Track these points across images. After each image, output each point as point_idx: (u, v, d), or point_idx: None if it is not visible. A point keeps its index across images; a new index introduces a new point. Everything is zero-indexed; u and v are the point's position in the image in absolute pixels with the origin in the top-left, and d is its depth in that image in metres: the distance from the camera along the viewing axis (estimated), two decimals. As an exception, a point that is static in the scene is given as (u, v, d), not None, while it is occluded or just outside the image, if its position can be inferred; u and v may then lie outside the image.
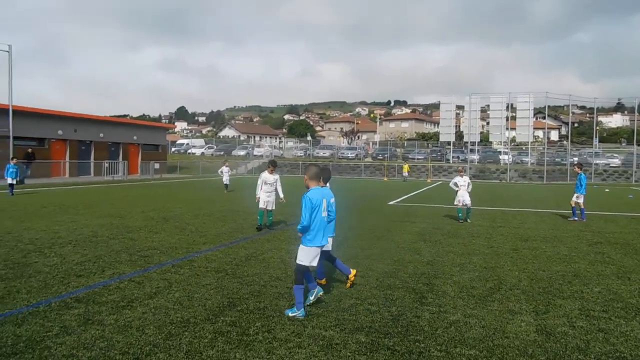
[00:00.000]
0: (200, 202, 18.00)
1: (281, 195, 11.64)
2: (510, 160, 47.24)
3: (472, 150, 48.52)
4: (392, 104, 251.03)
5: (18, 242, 8.91)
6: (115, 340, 4.30)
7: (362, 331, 4.68)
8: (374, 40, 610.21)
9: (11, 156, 24.03)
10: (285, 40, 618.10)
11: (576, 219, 14.12)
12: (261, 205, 11.21)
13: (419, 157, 53.75)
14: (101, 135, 37.54)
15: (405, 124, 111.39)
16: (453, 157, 51.46)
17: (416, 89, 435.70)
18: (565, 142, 62.33)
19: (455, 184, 13.74)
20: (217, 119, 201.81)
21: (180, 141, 79.57)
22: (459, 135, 60.76)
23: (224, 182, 23.84)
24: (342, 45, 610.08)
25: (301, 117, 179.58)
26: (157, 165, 39.95)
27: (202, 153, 65.75)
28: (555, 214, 15.76)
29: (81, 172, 35.62)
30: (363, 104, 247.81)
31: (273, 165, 11.71)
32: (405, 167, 43.92)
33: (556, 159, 49.18)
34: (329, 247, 6.15)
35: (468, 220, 13.21)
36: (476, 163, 48.71)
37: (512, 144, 53.26)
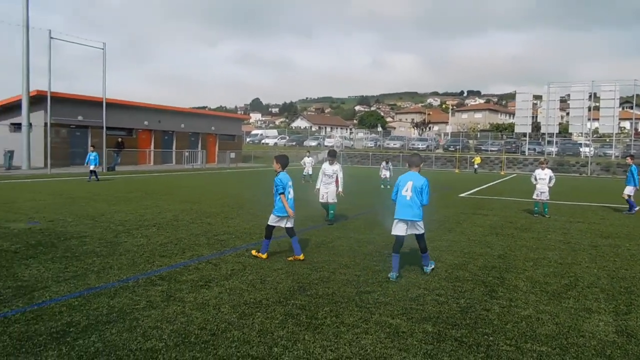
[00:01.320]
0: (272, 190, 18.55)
1: (339, 188, 10.93)
2: (592, 152, 44.10)
3: (549, 142, 45.86)
4: (465, 94, 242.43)
5: (110, 223, 9.75)
6: (194, 317, 4.64)
7: (429, 321, 4.69)
8: (446, 28, 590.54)
9: (97, 145, 26.04)
10: (357, 32, 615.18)
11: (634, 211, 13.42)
12: (320, 198, 10.87)
13: (493, 148, 51.69)
14: (182, 125, 39.64)
15: (478, 115, 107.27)
16: (529, 149, 48.93)
17: (490, 78, 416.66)
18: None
19: (535, 177, 13.11)
20: (289, 110, 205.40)
21: (254, 132, 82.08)
22: (536, 126, 57.59)
23: (306, 172, 23.15)
24: (414, 35, 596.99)
25: (372, 108, 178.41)
26: (232, 155, 41.61)
27: (275, 143, 67.42)
28: (647, 210, 14.57)
29: (164, 160, 37.92)
30: (435, 94, 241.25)
31: (331, 155, 11.07)
32: (477, 158, 42.43)
33: (644, 152, 45.24)
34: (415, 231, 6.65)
35: (545, 216, 12.59)
36: (554, 155, 45.98)
37: (595, 136, 49.65)
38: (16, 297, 5.10)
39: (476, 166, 41.31)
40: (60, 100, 28.74)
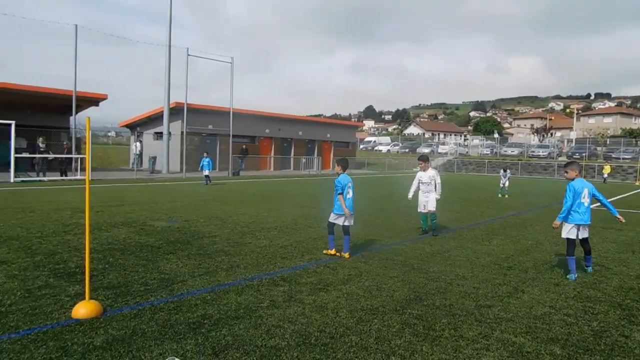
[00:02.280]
0: (386, 197, 18.57)
1: (437, 196, 10.12)
2: None
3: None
4: (592, 97, 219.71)
5: (236, 225, 10.53)
6: (314, 319, 4.86)
7: (557, 342, 4.38)
8: (569, 26, 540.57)
9: (224, 152, 28.07)
10: (471, 36, 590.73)
11: None
12: (420, 208, 10.21)
13: (625, 156, 46.18)
14: (300, 133, 41.32)
15: (608, 119, 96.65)
16: None
17: (622, 79, 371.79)
18: None
19: None
20: (402, 117, 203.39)
21: (367, 139, 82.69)
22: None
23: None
24: (533, 35, 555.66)
25: (488, 114, 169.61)
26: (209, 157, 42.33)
27: (388, 150, 67.21)
28: None
29: (283, 167, 39.84)
30: (557, 98, 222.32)
31: (423, 160, 10.24)
32: (607, 167, 38.14)
33: None
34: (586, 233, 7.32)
35: None
36: None
37: None
38: (160, 288, 5.76)
39: (605, 175, 37.22)
40: (194, 111, 31.68)
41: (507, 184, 20.39)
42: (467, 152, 62.03)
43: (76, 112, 26.42)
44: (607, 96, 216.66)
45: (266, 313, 4.98)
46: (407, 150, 65.74)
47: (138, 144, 31.91)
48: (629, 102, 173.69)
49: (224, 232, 9.66)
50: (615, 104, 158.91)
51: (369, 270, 6.87)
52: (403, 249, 8.44)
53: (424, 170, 10.24)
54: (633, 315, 5.24)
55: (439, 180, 10.18)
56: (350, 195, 7.63)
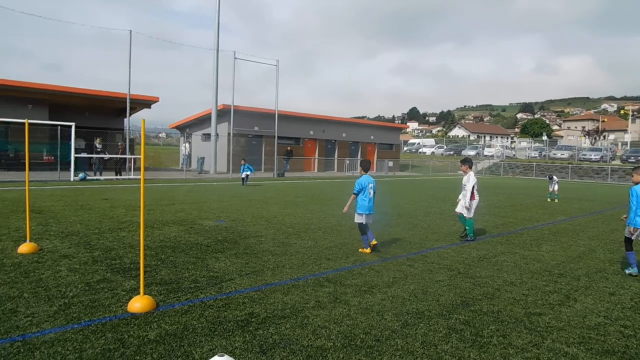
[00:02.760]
0: (430, 200, 18.30)
1: (464, 201, 9.60)
2: None
3: None
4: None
5: (282, 225, 10.69)
6: (359, 321, 4.88)
7: (613, 355, 4.22)
8: (624, 23, 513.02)
9: (269, 153, 28.49)
10: (518, 35, 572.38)
11: None
12: (458, 209, 9.85)
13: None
14: (344, 135, 41.36)
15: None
16: None
17: None
18: None
19: None
20: (447, 119, 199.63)
21: (411, 141, 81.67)
22: None
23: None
24: (584, 33, 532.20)
25: (536, 116, 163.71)
26: (390, 164, 41.99)
27: (432, 152, 66.17)
28: None
29: (327, 168, 39.99)
30: (611, 99, 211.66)
31: (465, 163, 9.82)
32: None
33: None
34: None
35: None
36: None
37: None
38: (209, 285, 5.95)
39: None
40: (241, 113, 32.35)
41: (556, 187, 19.68)
42: (514, 154, 60.10)
43: (130, 114, 27.59)
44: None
45: (312, 313, 5.05)
46: (451, 152, 64.47)
47: (187, 144, 32.92)
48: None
49: (269, 232, 9.84)
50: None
51: (414, 273, 6.83)
52: (449, 253, 8.32)
53: (465, 173, 9.80)
54: (697, 329, 4.97)
55: (469, 187, 9.52)
56: (371, 195, 8.08)
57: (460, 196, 9.83)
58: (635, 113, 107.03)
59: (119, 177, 23.98)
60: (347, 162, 38.39)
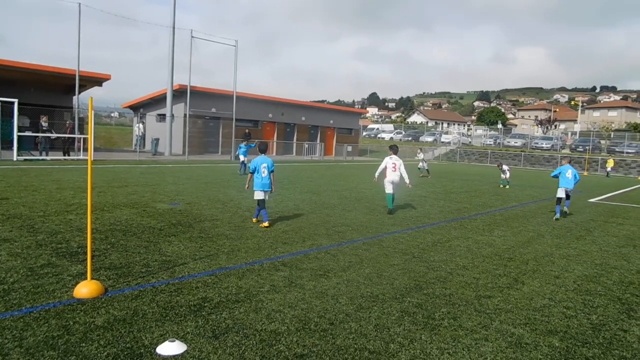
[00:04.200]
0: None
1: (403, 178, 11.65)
2: None
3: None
4: (598, 90, 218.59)
5: (238, 209, 10.54)
6: (314, 304, 4.88)
7: (555, 335, 4.40)
8: (577, 19, 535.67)
9: (227, 136, 27.98)
10: (478, 25, 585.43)
11: None
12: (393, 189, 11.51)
13: (629, 150, 45.90)
14: (303, 118, 41.15)
15: (613, 113, 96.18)
16: None
17: (628, 72, 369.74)
18: None
19: None
20: (406, 105, 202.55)
21: (371, 126, 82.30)
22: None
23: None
24: (540, 26, 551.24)
25: (492, 104, 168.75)
26: (349, 148, 42.21)
27: (391, 138, 66.93)
28: None
29: (285, 152, 39.74)
30: (562, 90, 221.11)
31: (391, 149, 11.89)
32: (610, 161, 38.01)
33: None
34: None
35: None
36: None
37: None
38: (162, 269, 5.78)
39: (609, 169, 37.14)
40: (198, 94, 31.53)
41: (507, 175, 20.37)
42: (470, 142, 61.76)
43: (79, 92, 26.33)
44: (613, 89, 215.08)
45: (266, 297, 5.00)
46: (410, 138, 65.46)
47: (141, 125, 31.84)
48: (634, 96, 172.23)
49: (225, 215, 9.68)
50: (621, 97, 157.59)
51: (369, 257, 6.89)
52: (404, 238, 8.45)
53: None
54: (632, 309, 5.26)
55: (402, 168, 11.54)
56: (265, 174, 8.90)
57: (396, 175, 11.39)
58: (584, 104, 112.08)
59: (67, 157, 22.95)
60: (306, 146, 38.30)
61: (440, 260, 6.93)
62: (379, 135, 70.02)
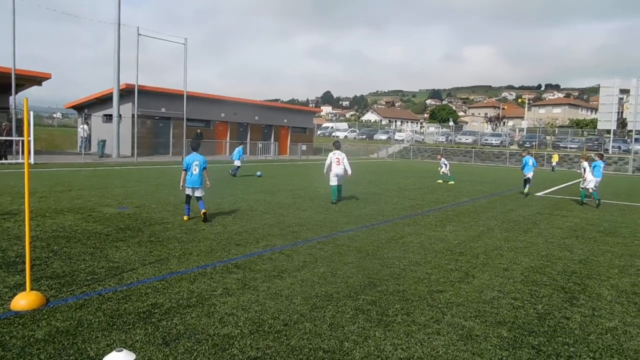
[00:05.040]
0: (344, 183, 18.62)
1: (345, 171, 12.96)
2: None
3: (637, 140, 42.18)
4: (543, 87, 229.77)
5: (190, 211, 10.26)
6: (267, 306, 4.81)
7: (504, 325, 4.54)
8: (523, 18, 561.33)
9: (178, 136, 27.27)
10: (429, 24, 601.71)
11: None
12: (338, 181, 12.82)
13: (572, 146, 48.46)
14: (256, 118, 40.78)
15: (557, 110, 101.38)
16: (613, 147, 45.30)
17: (571, 71, 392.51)
18: None
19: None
20: (360, 103, 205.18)
21: (325, 124, 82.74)
22: (622, 122, 53.24)
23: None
24: (489, 26, 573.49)
25: (443, 102, 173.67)
26: (304, 147, 42.17)
27: (346, 136, 67.50)
28: None
29: (239, 151, 39.26)
30: (510, 88, 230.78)
31: (334, 145, 13.30)
32: (555, 156, 40.04)
33: None
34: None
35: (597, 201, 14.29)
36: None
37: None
38: (108, 276, 5.54)
39: (554, 164, 39.07)
40: (146, 93, 30.60)
41: (445, 169, 21.08)
42: (423, 139, 63.22)
43: (16, 92, 24.92)
44: (557, 87, 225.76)
45: (219, 301, 4.89)
46: (364, 136, 66.27)
47: (85, 126, 30.54)
48: (576, 93, 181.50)
49: (176, 218, 9.43)
50: (564, 95, 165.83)
51: (324, 256, 6.88)
52: (359, 235, 8.51)
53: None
54: (575, 297, 5.51)
55: (345, 161, 12.80)
56: (195, 172, 9.15)
57: (340, 169, 12.62)
58: (530, 101, 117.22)
59: (4, 161, 21.69)
60: (260, 145, 37.98)
61: (394, 257, 7.02)
62: (333, 134, 70.41)
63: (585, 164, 15.23)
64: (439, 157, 21.91)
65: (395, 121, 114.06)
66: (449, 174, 21.03)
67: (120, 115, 29.23)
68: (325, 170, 13.07)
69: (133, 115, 29.34)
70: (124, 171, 20.18)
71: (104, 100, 32.68)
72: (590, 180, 14.63)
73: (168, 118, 33.35)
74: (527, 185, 16.75)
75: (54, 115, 69.81)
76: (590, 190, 14.68)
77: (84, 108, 34.75)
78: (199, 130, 34.28)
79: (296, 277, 5.83)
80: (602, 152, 22.02)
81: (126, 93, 30.12)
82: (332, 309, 4.77)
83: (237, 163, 20.38)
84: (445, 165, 21.18)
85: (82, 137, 29.88)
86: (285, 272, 6.02)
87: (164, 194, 13.06)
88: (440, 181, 20.96)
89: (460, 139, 56.84)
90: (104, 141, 29.06)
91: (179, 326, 4.22)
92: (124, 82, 30.03)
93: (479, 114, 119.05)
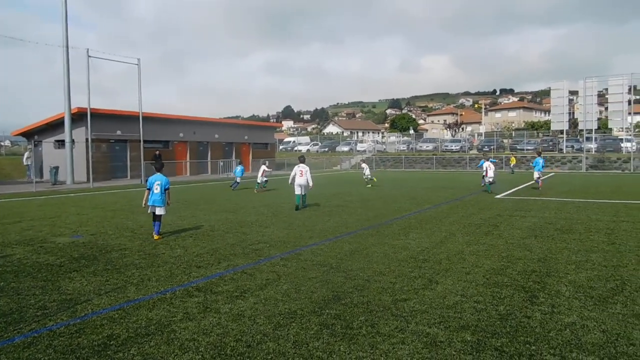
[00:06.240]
0: (309, 193, 18.57)
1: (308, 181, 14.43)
2: (634, 148, 42.27)
3: (588, 139, 44.22)
4: (498, 92, 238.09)
5: (149, 235, 9.97)
6: (230, 328, 4.68)
7: (467, 330, 4.57)
8: (475, 27, 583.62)
9: (136, 159, 26.64)
10: (384, 36, 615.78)
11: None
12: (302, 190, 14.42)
13: (528, 147, 50.21)
14: (216, 136, 40.34)
15: (512, 114, 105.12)
16: (567, 147, 47.35)
17: (524, 75, 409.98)
18: None
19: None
20: (321, 116, 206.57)
21: (287, 139, 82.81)
22: (573, 123, 55.74)
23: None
24: (442, 35, 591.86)
25: (403, 111, 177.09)
26: (266, 163, 41.93)
27: (308, 150, 67.70)
28: (700, 207, 13.80)
29: (200, 171, 38.66)
30: (467, 94, 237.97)
31: (299, 159, 14.99)
32: (513, 159, 41.42)
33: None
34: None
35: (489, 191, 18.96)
36: (593, 152, 44.33)
37: (636, 130, 47.61)
38: (61, 310, 5.27)
39: (512, 166, 40.36)
40: (100, 116, 29.75)
41: (366, 172, 23.65)
42: (384, 148, 64.01)
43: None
44: (511, 92, 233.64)
45: (179, 327, 4.72)
46: (326, 149, 66.59)
47: (27, 153, 29.25)
48: (529, 97, 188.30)
49: (135, 244, 9.12)
50: (518, 99, 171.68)
51: (287, 273, 6.79)
52: (322, 249, 8.45)
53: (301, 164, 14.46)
54: (535, 296, 5.62)
55: (308, 174, 14.31)
56: (157, 191, 9.51)
57: (303, 180, 14.21)
58: (487, 106, 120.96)
59: (-50, 194, 20.55)
60: (221, 163, 37.53)
61: (358, 269, 6.99)
62: (295, 148, 70.49)
63: (484, 161, 20.28)
64: (360, 162, 24.50)
65: (357, 132, 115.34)
66: (370, 176, 23.74)
67: (73, 140, 28.26)
68: (290, 181, 14.55)
69: (87, 140, 28.45)
70: (78, 198, 19.46)
71: (55, 126, 31.58)
72: (490, 176, 19.68)
73: (124, 140, 32.51)
74: (489, 186, 19.66)
75: (2, 143, 66.90)
76: (487, 182, 19.77)
77: (34, 134, 33.48)
78: (157, 152, 33.55)
79: (259, 296, 5.71)
80: (540, 150, 27.23)
81: (78, 117, 29.20)
82: (296, 326, 4.69)
83: (238, 179, 23.86)
84: (366, 168, 24.25)
85: (26, 165, 28.68)
86: (247, 291, 5.89)
87: (121, 219, 12.64)
88: (369, 186, 22.94)
89: (421, 146, 57.90)
90: (56, 168, 27.98)
91: (136, 357, 4.04)
92: (76, 106, 29.12)
93: (438, 121, 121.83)
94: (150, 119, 32.59)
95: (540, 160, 20.99)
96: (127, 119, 31.83)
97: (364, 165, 25.25)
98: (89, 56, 26.74)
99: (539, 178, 20.81)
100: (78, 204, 16.74)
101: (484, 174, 20.22)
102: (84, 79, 26.73)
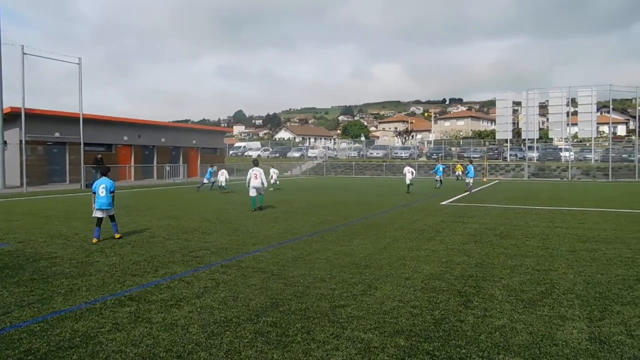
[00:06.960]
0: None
1: (263, 183, 15.58)
2: (572, 157, 44.93)
3: (530, 148, 46.50)
4: (448, 102, 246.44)
5: (83, 242, 9.51)
6: (161, 338, 4.50)
7: (402, 334, 4.61)
8: (427, 37, 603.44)
9: (75, 162, 25.45)
10: (338, 43, 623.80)
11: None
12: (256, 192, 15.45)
13: (475, 155, 52.13)
14: (163, 140, 39.30)
15: (460, 122, 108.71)
16: (511, 155, 49.60)
17: (472, 86, 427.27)
18: (633, 137, 58.22)
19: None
20: (273, 122, 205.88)
21: (237, 144, 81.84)
22: (517, 132, 58.49)
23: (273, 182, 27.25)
24: (395, 44, 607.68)
25: (355, 118, 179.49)
26: (215, 168, 41.22)
27: (259, 155, 67.17)
28: (620, 213, 14.77)
29: (145, 176, 37.47)
30: (418, 103, 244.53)
31: (253, 162, 15.89)
32: (459, 166, 42.88)
33: (623, 155, 46.09)
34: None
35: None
36: (535, 161, 46.65)
37: (574, 140, 50.59)
38: (-25, 324, 4.89)
39: (458, 173, 41.75)
40: (36, 117, 28.27)
41: (273, 177, 26.39)
42: (336, 155, 64.50)
43: None
44: (460, 101, 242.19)
45: (107, 338, 4.49)
46: (277, 154, 66.33)
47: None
48: (477, 106, 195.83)
49: (67, 252, 8.66)
50: (467, 108, 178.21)
51: (226, 280, 6.63)
52: (265, 256, 8.34)
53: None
54: (469, 300, 5.76)
55: (263, 177, 15.23)
56: (102, 194, 9.78)
57: (258, 182, 15.11)
58: (437, 115, 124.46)
59: None
60: (168, 168, 36.55)
61: (299, 275, 6.94)
62: (246, 153, 69.79)
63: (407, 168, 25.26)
64: (271, 167, 27.08)
65: (309, 138, 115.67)
66: (276, 182, 26.47)
67: (5, 142, 26.66)
68: (246, 183, 15.42)
69: (21, 141, 26.92)
70: (9, 203, 18.33)
71: (-14, 127, 29.66)
72: (409, 178, 24.25)
73: (63, 143, 31.03)
74: (441, 186, 25.39)
75: None
76: (407, 182, 24.23)
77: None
78: (99, 155, 32.23)
79: (195, 304, 5.53)
80: (471, 159, 32.68)
81: (12, 117, 27.61)
82: (230, 335, 4.57)
83: (205, 180, 25.87)
84: (275, 173, 26.93)
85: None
86: (183, 300, 5.70)
87: (55, 225, 11.99)
88: (271, 189, 24.99)
89: (371, 153, 58.77)
90: (-13, 171, 26.30)
91: (55, 372, 3.79)
92: (8, 106, 27.52)
93: (389, 128, 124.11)
94: (92, 121, 31.33)
95: (472, 168, 24.93)
96: (66, 120, 30.43)
97: (272, 170, 27.63)
98: (24, 53, 25.37)
99: (469, 183, 24.82)
100: (8, 210, 15.76)
101: (410, 176, 24.45)
102: (18, 78, 25.30)
